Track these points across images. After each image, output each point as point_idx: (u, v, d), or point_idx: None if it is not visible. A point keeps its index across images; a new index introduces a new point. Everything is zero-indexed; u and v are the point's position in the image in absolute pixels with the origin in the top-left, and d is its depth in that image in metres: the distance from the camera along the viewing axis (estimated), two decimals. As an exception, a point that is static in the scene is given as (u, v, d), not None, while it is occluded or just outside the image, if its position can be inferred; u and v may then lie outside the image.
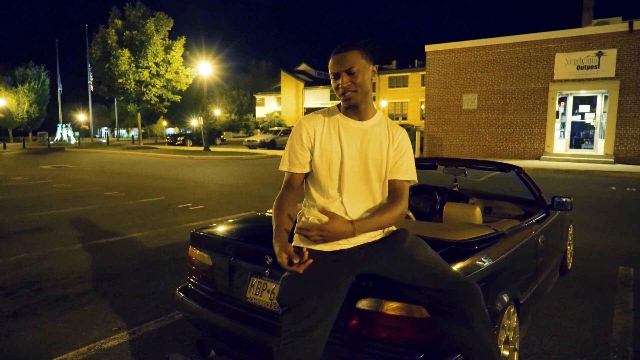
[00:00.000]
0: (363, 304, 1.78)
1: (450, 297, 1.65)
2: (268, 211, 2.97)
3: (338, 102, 1.81)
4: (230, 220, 2.82)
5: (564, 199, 3.40)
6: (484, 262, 2.09)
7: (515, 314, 2.33)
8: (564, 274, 4.17)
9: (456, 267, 1.89)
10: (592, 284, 4.07)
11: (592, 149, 18.30)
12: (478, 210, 2.88)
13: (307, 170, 1.79)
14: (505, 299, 2.15)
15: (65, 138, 43.33)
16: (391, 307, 1.73)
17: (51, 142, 37.66)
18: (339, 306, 1.70)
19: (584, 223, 6.55)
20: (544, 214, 3.41)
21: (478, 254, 2.10)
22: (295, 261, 1.57)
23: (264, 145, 26.38)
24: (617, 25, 16.67)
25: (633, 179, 12.80)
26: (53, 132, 45.50)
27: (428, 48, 20.71)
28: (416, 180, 1.85)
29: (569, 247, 4.29)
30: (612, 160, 16.27)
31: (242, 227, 2.69)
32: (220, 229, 2.60)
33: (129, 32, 25.52)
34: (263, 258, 2.04)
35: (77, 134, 48.14)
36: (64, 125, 44.40)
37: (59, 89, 45.03)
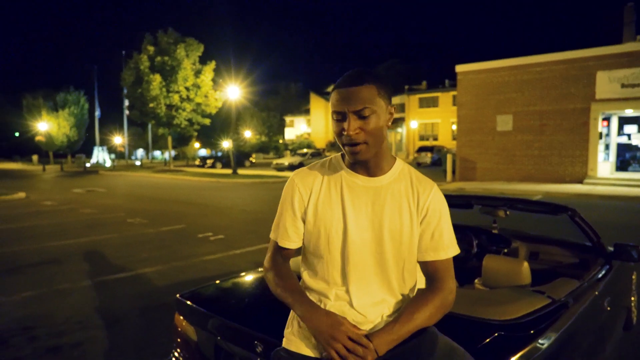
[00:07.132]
0: None
1: None
2: (260, 269, 2.55)
3: None
4: (224, 282, 2.38)
5: (630, 246, 2.83)
6: (544, 356, 1.57)
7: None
8: (628, 329, 3.53)
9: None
10: (664, 344, 3.42)
11: None
12: (526, 267, 2.35)
13: (298, 244, 1.35)
14: None
15: (101, 161, 44.64)
16: None
17: (88, 165, 38.80)
18: None
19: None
20: (605, 266, 2.84)
21: (535, 342, 1.59)
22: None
23: (292, 167, 26.23)
24: (664, 41, 15.69)
25: (689, 205, 11.71)
26: (90, 155, 46.97)
27: (459, 68, 20.12)
28: (459, 251, 1.35)
29: (632, 299, 3.66)
30: (663, 184, 15.08)
31: (233, 294, 2.27)
32: (209, 296, 2.19)
33: (160, 57, 26.15)
34: (252, 345, 1.60)
35: (112, 156, 49.56)
36: (100, 148, 45.83)
37: (97, 112, 46.65)
